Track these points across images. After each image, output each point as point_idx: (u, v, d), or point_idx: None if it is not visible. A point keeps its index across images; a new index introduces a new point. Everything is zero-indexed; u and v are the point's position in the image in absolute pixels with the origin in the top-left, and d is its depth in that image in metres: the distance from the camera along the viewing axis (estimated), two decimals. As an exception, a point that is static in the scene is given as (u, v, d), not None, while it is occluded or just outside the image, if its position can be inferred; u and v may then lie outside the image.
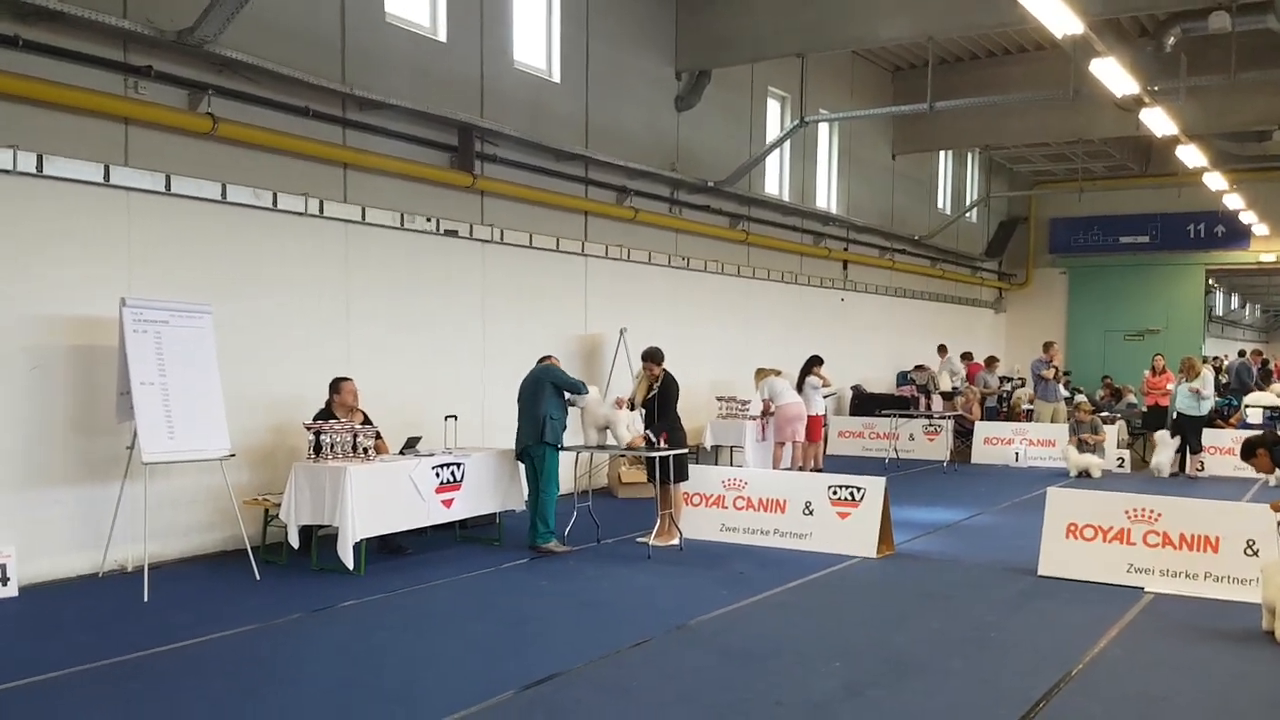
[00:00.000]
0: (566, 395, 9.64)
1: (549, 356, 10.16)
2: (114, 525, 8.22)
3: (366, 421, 9.25)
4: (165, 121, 8.78)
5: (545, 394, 9.51)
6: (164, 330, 8.17)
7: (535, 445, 9.43)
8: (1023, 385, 20.79)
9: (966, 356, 20.92)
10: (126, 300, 7.99)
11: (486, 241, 12.00)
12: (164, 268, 8.84)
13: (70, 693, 5.61)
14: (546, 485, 9.45)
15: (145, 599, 7.54)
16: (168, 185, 8.83)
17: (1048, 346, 18.95)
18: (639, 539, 9.85)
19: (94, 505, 8.29)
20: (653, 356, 10.06)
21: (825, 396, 15.05)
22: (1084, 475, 15.40)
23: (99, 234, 8.44)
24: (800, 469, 13.75)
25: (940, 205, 24.47)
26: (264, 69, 9.28)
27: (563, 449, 9.65)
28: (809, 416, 14.34)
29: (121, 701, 5.48)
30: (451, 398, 11.09)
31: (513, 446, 9.88)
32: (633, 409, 10.03)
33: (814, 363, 14.76)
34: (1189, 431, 15.91)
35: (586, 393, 9.70)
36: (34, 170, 7.92)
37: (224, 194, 9.26)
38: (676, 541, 9.73)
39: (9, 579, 7.56)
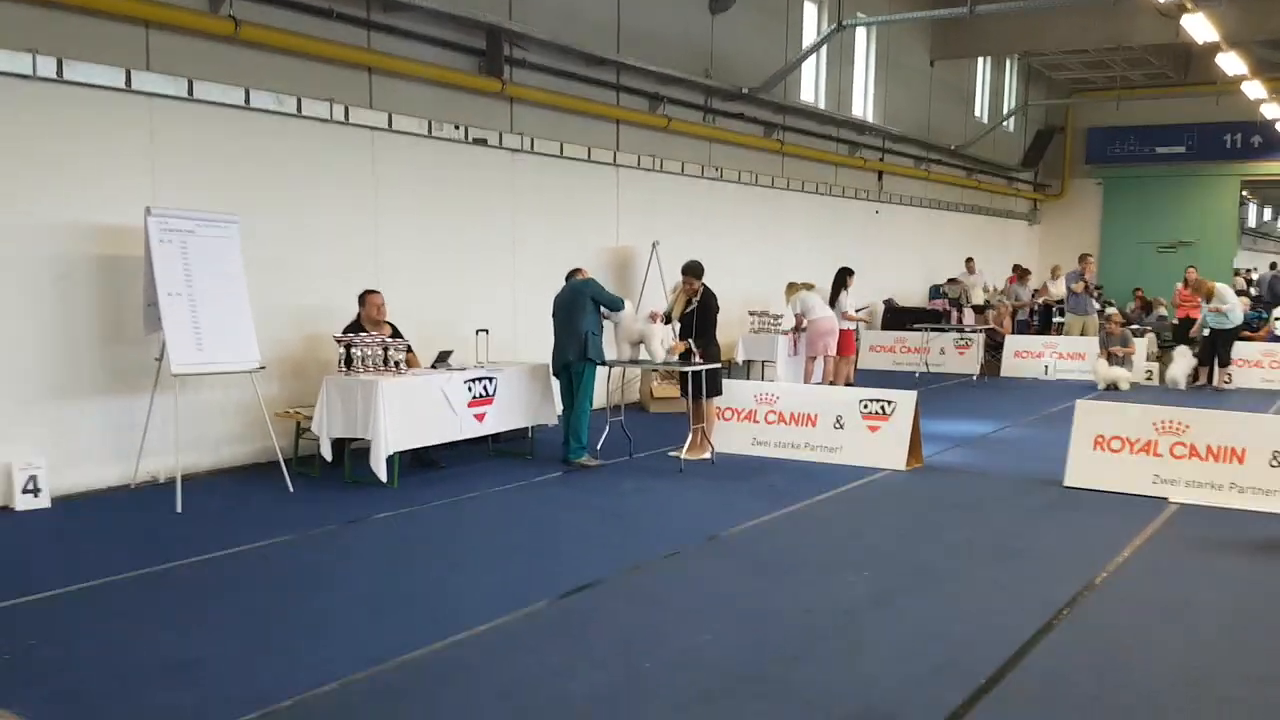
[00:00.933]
0: (603, 310, 9.56)
1: (579, 270, 10.02)
2: (145, 437, 8.28)
3: (396, 334, 9.22)
4: (187, 24, 8.60)
5: (585, 309, 9.39)
6: (190, 240, 8.11)
7: (577, 362, 9.36)
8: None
9: (1022, 272, 20.52)
10: (151, 209, 7.92)
11: (516, 150, 11.82)
12: (188, 175, 8.75)
13: (104, 602, 5.69)
14: (582, 401, 9.42)
15: (178, 510, 7.62)
16: (190, 90, 8.69)
17: (1083, 259, 18.66)
18: (671, 453, 9.86)
19: (124, 417, 8.34)
20: (692, 270, 9.92)
21: (858, 311, 14.78)
22: (1112, 388, 15.26)
23: (122, 141, 8.34)
24: (832, 383, 13.67)
25: (977, 114, 23.91)
26: (285, -32, 9.07)
27: (603, 364, 9.59)
28: (841, 331, 14.17)
29: (157, 609, 5.57)
30: (482, 311, 11.04)
31: (545, 361, 9.87)
32: (667, 323, 9.94)
33: (846, 274, 14.49)
34: (1219, 344, 15.73)
35: (623, 308, 9.62)
36: (54, 75, 7.79)
37: (247, 99, 9.11)
38: (709, 455, 9.73)
39: (41, 490, 7.65)
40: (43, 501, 7.66)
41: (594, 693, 4.49)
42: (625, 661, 4.83)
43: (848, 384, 13.63)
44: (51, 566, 6.25)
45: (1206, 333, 16.02)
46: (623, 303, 9.67)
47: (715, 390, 9.84)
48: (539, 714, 4.28)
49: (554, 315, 9.65)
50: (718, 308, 9.91)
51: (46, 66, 7.76)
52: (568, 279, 9.86)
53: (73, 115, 8.02)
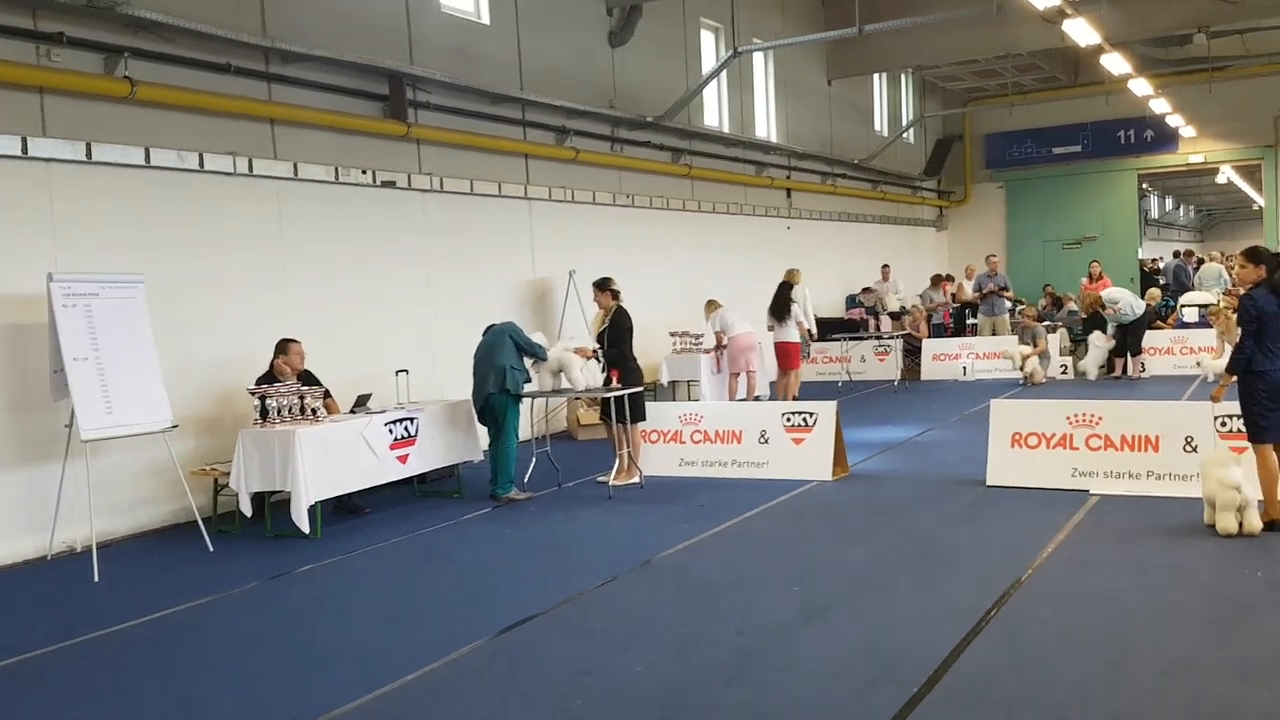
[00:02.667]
0: (523, 352, 9.56)
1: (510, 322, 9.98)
2: (58, 506, 8.07)
3: (313, 381, 9.14)
4: (82, 88, 8.51)
5: (504, 346, 9.42)
6: (94, 303, 7.98)
7: (497, 395, 9.35)
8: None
9: (942, 278, 20.99)
10: (54, 275, 7.78)
11: (426, 191, 11.82)
12: (91, 238, 8.61)
13: (19, 679, 5.54)
14: (507, 434, 9.43)
15: (95, 579, 7.44)
16: (89, 153, 8.57)
17: (989, 259, 19.21)
18: (599, 480, 9.90)
19: (36, 487, 8.14)
20: (600, 285, 10.10)
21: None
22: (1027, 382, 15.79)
23: (20, 208, 8.19)
24: (777, 399, 13.76)
25: (878, 128, 24.49)
26: (180, 27, 8.99)
27: (523, 397, 9.60)
28: (787, 344, 14.24)
29: (74, 683, 5.44)
30: (401, 352, 10.99)
31: (467, 397, 9.86)
32: (598, 357, 9.97)
33: (787, 289, 14.41)
34: (1129, 334, 16.26)
35: (545, 359, 9.64)
36: (-53, 146, 7.65)
37: (148, 158, 9.01)
38: (637, 480, 9.80)
39: (-45, 567, 7.44)
40: (-46, 581, 7.43)
41: (529, 732, 4.49)
42: (557, 701, 4.83)
43: (794, 398, 13.70)
44: (-35, 649, 6.06)
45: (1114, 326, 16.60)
46: (544, 352, 9.64)
47: (639, 415, 9.91)
48: (475, 758, 4.27)
49: (475, 359, 9.66)
50: (630, 326, 10.03)
51: (-63, 137, 7.61)
52: (485, 332, 9.82)
53: (-35, 184, 7.85)
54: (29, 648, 5.98)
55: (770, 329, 14.29)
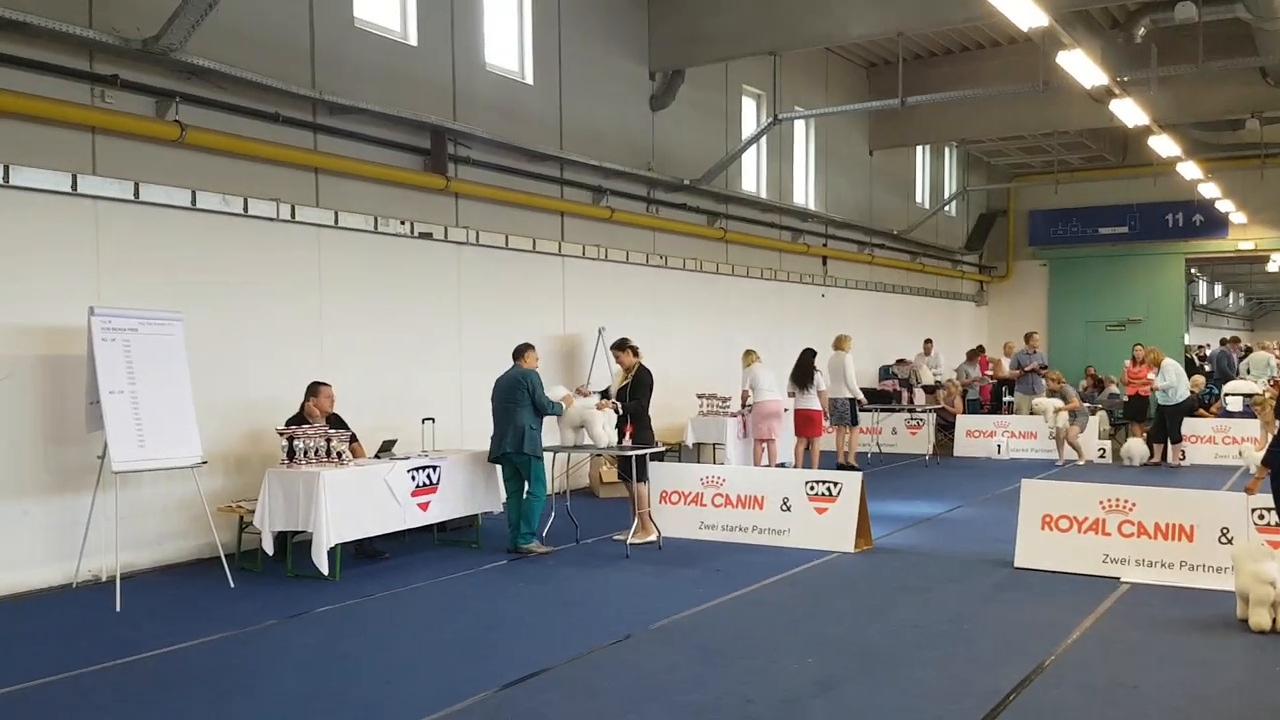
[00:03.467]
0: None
1: (528, 349, 9.87)
2: (86, 535, 8.16)
3: (340, 425, 9.21)
4: (133, 130, 8.74)
5: (522, 403, 9.40)
6: (133, 338, 8.13)
7: (516, 454, 9.38)
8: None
9: (980, 353, 20.88)
10: (95, 309, 7.95)
11: (462, 243, 11.99)
12: (133, 276, 8.80)
13: (35, 704, 5.57)
14: (536, 488, 9.40)
15: (118, 609, 7.49)
16: (136, 193, 8.79)
17: (1029, 337, 19.06)
18: (616, 538, 9.86)
19: (66, 516, 8.24)
20: (619, 346, 10.24)
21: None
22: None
23: (67, 243, 8.40)
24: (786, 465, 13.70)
25: (919, 199, 24.54)
26: (231, 75, 9.24)
27: (540, 457, 9.57)
28: (809, 411, 14.23)
29: (89, 712, 5.46)
30: (428, 400, 11.06)
31: (488, 448, 9.90)
32: (603, 396, 10.10)
33: (812, 355, 14.45)
34: (1167, 420, 16.00)
35: (558, 414, 9.66)
36: (1, 180, 7.86)
37: (194, 201, 9.22)
38: (654, 538, 9.74)
39: (-22, 592, 7.52)
40: (-22, 605, 7.51)
41: (528, 789, 4.43)
42: (561, 756, 4.78)
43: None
44: (-19, 673, 6.11)
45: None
46: (560, 409, 9.65)
47: (642, 475, 9.87)
48: (471, 813, 4.22)
49: (493, 398, 9.64)
50: (650, 384, 10.13)
51: (-8, 171, 7.84)
52: (515, 357, 9.75)
53: (19, 218, 8.10)
54: (46, 673, 6.03)
55: (791, 395, 14.25)
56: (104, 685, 5.91)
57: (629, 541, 9.60)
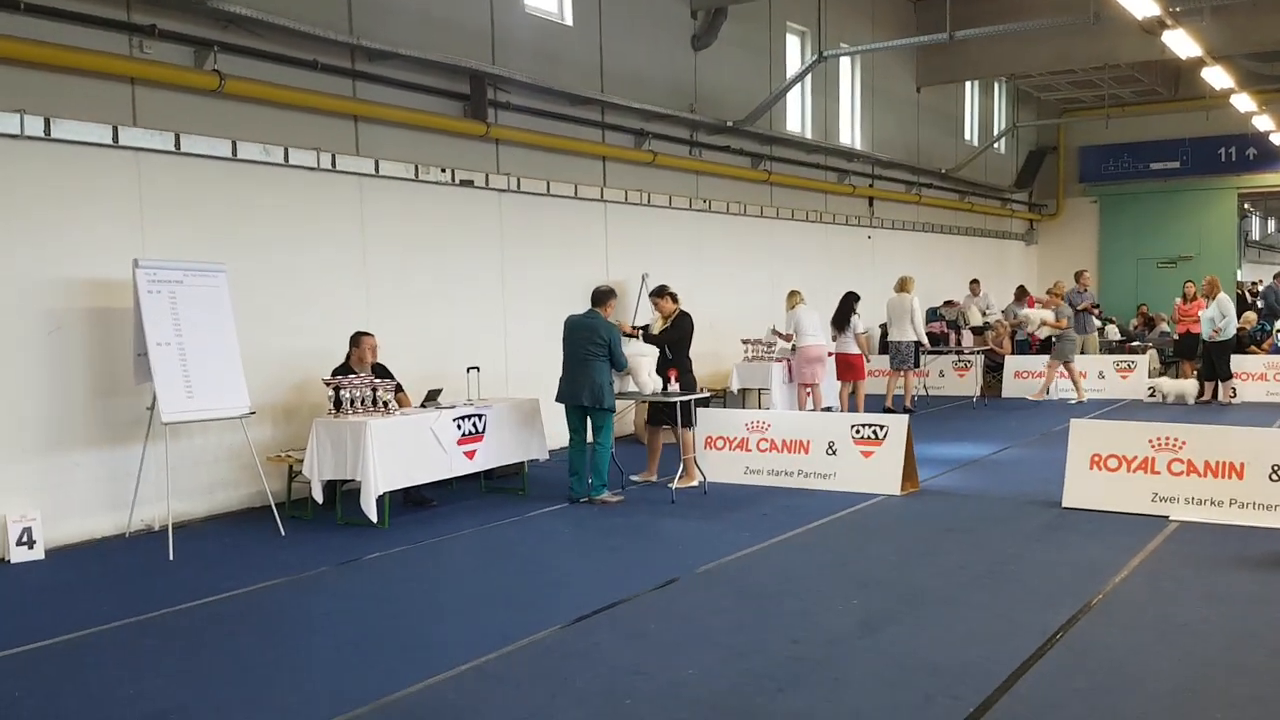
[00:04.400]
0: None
1: (608, 296, 9.50)
2: (138, 485, 8.33)
3: (386, 374, 9.27)
4: (172, 80, 8.74)
5: (599, 356, 9.18)
6: (178, 290, 8.20)
7: (592, 407, 9.24)
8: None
9: (1027, 293, 20.53)
10: (140, 261, 8.02)
11: (503, 190, 11.93)
12: (177, 227, 8.86)
13: (93, 651, 5.71)
14: (604, 438, 9.33)
15: (171, 557, 7.65)
16: (177, 144, 8.81)
17: (1079, 276, 18.69)
18: (667, 484, 9.89)
19: (118, 466, 8.39)
20: (658, 293, 10.18)
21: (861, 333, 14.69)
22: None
23: (110, 195, 8.45)
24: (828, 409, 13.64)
25: (967, 137, 24.04)
26: (269, 23, 9.19)
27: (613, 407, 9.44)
28: (849, 355, 14.12)
29: (144, 657, 5.58)
30: (472, 348, 11.11)
31: (536, 396, 9.95)
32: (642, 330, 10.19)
33: (854, 299, 14.37)
34: (1215, 358, 15.69)
35: (626, 369, 9.52)
36: (42, 134, 7.91)
37: (234, 151, 9.23)
38: (698, 483, 9.74)
39: (35, 542, 7.69)
40: (37, 553, 7.69)
41: (574, 729, 4.48)
42: (606, 698, 4.81)
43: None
44: (42, 617, 6.27)
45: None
46: (626, 363, 9.52)
47: (686, 421, 9.81)
48: (519, 752, 4.27)
49: (566, 340, 9.42)
50: (691, 328, 10.13)
51: (34, 125, 7.88)
52: (594, 301, 9.49)
53: (61, 172, 8.14)
54: (104, 620, 6.16)
55: (833, 339, 14.13)
56: (162, 630, 6.04)
57: (674, 486, 9.60)
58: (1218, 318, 15.62)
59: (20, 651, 5.66)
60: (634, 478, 10.15)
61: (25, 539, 7.65)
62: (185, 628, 6.08)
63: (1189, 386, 15.80)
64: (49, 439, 8.06)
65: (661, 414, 10.00)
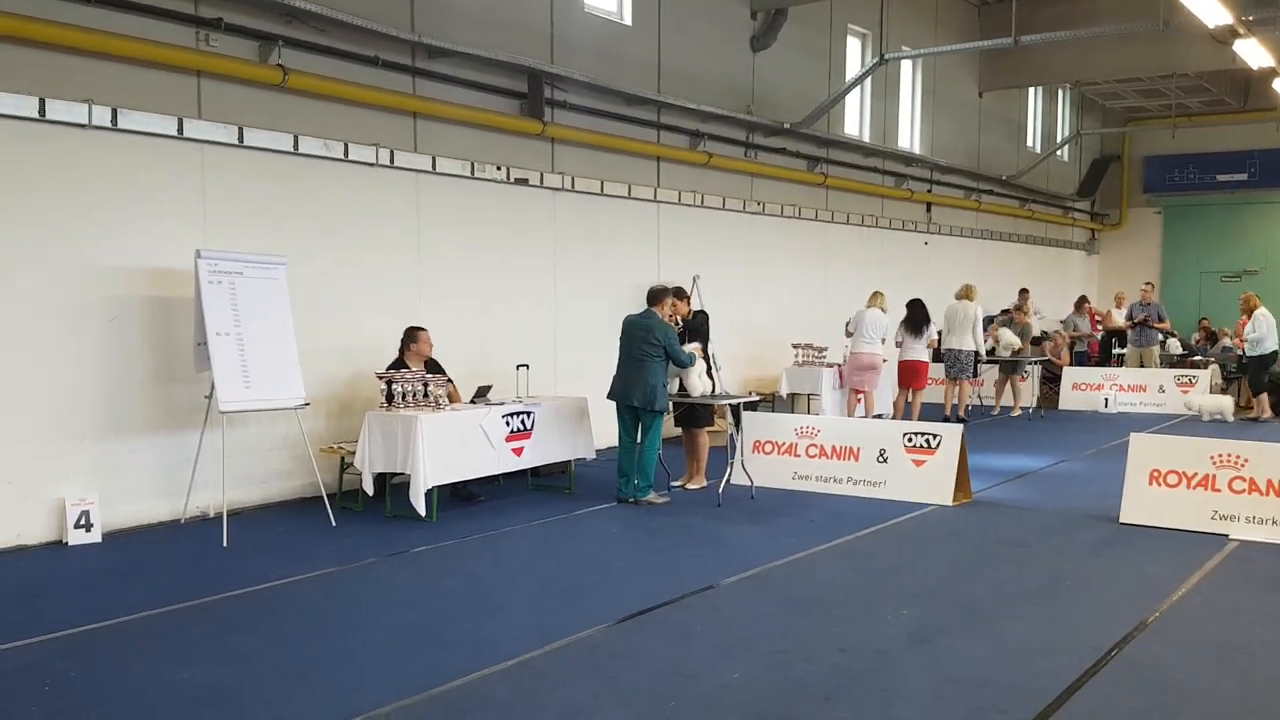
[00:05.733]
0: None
1: (664, 293, 9.49)
2: (195, 472, 8.46)
3: (437, 370, 9.33)
4: (237, 74, 8.86)
5: (654, 356, 9.14)
6: (238, 281, 8.32)
7: (643, 409, 9.21)
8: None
9: (1086, 301, 20.18)
10: (201, 252, 8.14)
11: (557, 189, 11.95)
12: (238, 219, 8.98)
13: (146, 634, 5.80)
14: (651, 441, 9.30)
15: (225, 544, 7.76)
16: (240, 137, 8.93)
17: (1144, 288, 18.38)
18: (685, 485, 10.05)
19: (175, 453, 8.52)
20: (679, 295, 9.91)
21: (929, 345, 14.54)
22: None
23: (174, 187, 8.59)
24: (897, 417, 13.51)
25: (1030, 144, 23.66)
26: (332, 18, 9.27)
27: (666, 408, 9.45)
28: (916, 363, 13.94)
29: (197, 641, 5.66)
30: (523, 346, 11.15)
31: (584, 395, 9.96)
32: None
33: (925, 307, 14.22)
34: (1250, 371, 15.50)
35: (689, 367, 9.46)
36: (109, 124, 8.06)
37: (296, 145, 9.35)
38: (699, 487, 9.96)
39: (93, 525, 7.84)
40: (94, 536, 7.84)
41: (617, 730, 4.46)
42: (650, 699, 4.79)
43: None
44: (98, 600, 6.39)
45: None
46: (692, 361, 9.46)
47: (700, 423, 10.03)
48: (561, 751, 4.26)
49: (623, 338, 9.38)
50: (705, 331, 10.08)
51: (102, 115, 8.02)
52: (650, 300, 9.46)
53: (127, 162, 8.27)
54: (158, 604, 6.27)
55: (898, 344, 13.97)
56: (215, 615, 6.13)
57: (686, 487, 9.79)
58: (1251, 333, 15.44)
59: (76, 632, 5.77)
60: (674, 484, 10.04)
61: (83, 522, 7.81)
62: (237, 614, 6.16)
63: (1225, 403, 15.40)
64: (108, 424, 8.20)
65: (690, 417, 9.96)
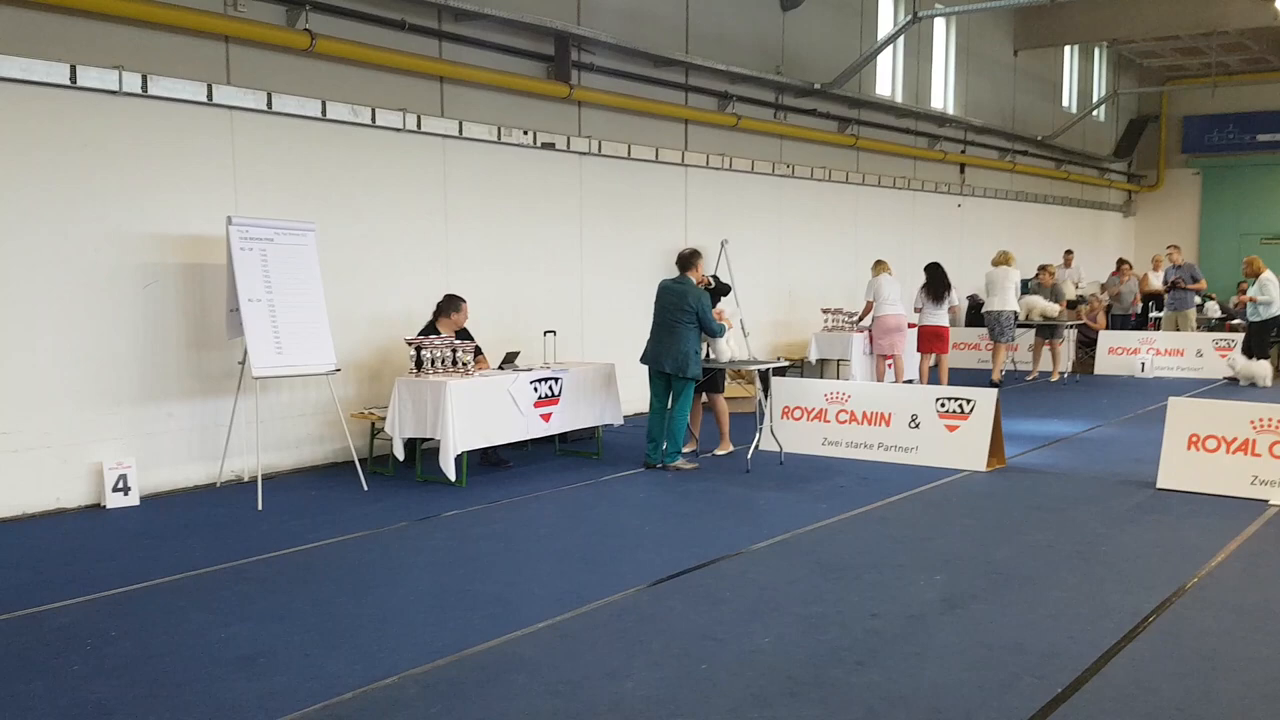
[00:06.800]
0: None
1: (695, 257, 9.39)
2: (229, 437, 8.54)
3: (466, 336, 9.33)
4: (265, 39, 8.83)
5: (688, 324, 9.08)
6: (269, 248, 8.33)
7: (675, 377, 9.15)
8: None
9: (1126, 264, 19.88)
10: (232, 219, 8.16)
11: (584, 154, 11.88)
12: (267, 185, 8.99)
13: (184, 595, 5.87)
14: (682, 407, 9.26)
15: (259, 507, 7.84)
16: (269, 103, 8.91)
17: (1172, 250, 18.09)
18: (718, 453, 9.97)
19: (210, 418, 8.61)
20: (696, 259, 9.59)
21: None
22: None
23: (204, 153, 8.60)
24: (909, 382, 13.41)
25: (1065, 103, 23.28)
26: (358, -18, 9.25)
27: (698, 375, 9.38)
28: (939, 328, 13.83)
29: (233, 602, 5.72)
30: (550, 312, 11.14)
31: (612, 361, 9.95)
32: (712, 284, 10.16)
33: (944, 271, 14.05)
34: (1252, 335, 15.37)
35: (720, 336, 9.44)
36: (139, 90, 8.06)
37: (324, 111, 9.32)
38: (724, 451, 9.93)
39: (130, 488, 7.94)
40: (132, 499, 7.94)
41: (648, 693, 4.46)
42: (682, 662, 4.79)
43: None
44: (138, 561, 6.48)
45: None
46: (723, 331, 9.42)
47: (720, 388, 10.08)
48: (592, 713, 4.27)
49: (657, 304, 9.31)
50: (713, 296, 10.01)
51: (132, 82, 8.03)
52: (681, 266, 9.36)
53: (157, 128, 8.29)
54: (199, 565, 6.37)
55: (917, 310, 13.81)
56: (251, 577, 6.19)
57: (715, 454, 9.76)
58: (1259, 295, 15.23)
59: (117, 593, 5.85)
60: (685, 450, 9.87)
61: (121, 485, 7.91)
62: (273, 575, 6.22)
63: (1261, 368, 15.14)
64: (144, 390, 8.28)
65: (710, 382, 9.88)
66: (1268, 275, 15.44)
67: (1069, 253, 20.10)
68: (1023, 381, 15.85)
